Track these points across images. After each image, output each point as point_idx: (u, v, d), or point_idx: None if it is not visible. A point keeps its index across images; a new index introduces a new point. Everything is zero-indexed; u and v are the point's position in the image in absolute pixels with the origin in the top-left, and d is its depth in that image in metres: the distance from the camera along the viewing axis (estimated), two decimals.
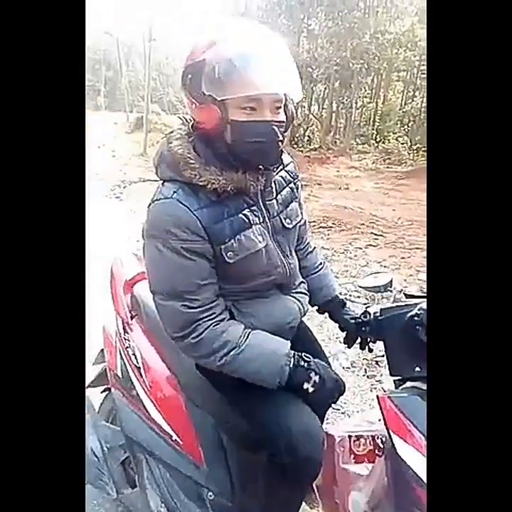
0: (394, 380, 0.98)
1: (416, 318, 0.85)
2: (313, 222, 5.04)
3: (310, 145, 12.43)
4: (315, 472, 0.91)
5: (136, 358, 1.17)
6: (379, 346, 1.12)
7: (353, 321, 1.10)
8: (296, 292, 1.05)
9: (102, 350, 1.40)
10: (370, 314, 1.07)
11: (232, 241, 0.85)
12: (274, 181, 0.95)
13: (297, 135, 12.52)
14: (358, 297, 3.09)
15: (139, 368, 1.15)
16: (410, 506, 0.76)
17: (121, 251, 1.47)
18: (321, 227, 5.02)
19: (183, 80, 0.82)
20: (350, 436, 1.01)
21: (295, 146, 11.99)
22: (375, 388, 2.02)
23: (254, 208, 0.89)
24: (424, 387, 0.85)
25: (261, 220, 0.90)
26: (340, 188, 7.75)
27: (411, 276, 3.54)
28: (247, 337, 0.87)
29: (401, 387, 0.91)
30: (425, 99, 12.38)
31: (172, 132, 0.87)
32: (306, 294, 1.09)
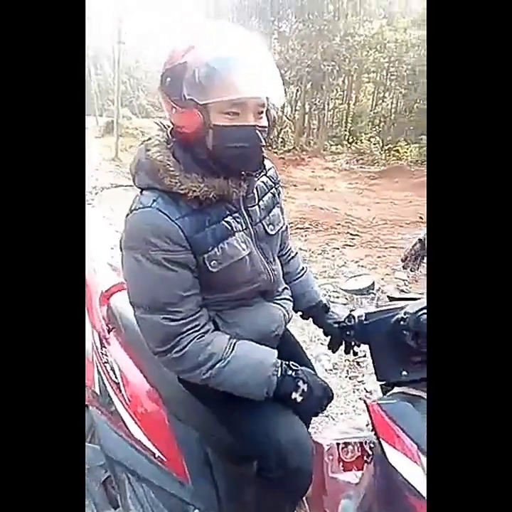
0: (381, 385, 0.97)
1: (402, 322, 0.84)
2: (291, 223, 5.03)
3: (284, 147, 12.50)
4: (306, 484, 0.89)
5: (114, 372, 1.11)
6: (361, 348, 1.12)
7: (337, 325, 1.09)
8: (280, 299, 1.03)
9: None
10: (354, 318, 1.06)
11: (215, 249, 0.82)
12: (256, 187, 0.92)
13: (271, 137, 12.55)
14: (337, 298, 3.11)
15: (118, 383, 1.10)
16: None
17: (96, 260, 1.41)
18: (297, 228, 5.04)
19: (162, 83, 0.78)
20: (338, 444, 1.00)
21: (269, 148, 12.02)
22: (358, 390, 2.03)
23: (236, 214, 0.87)
24: (412, 392, 0.85)
25: (244, 227, 0.88)
26: (315, 189, 7.83)
27: (388, 276, 3.60)
28: (233, 348, 0.84)
29: (388, 393, 0.91)
30: (395, 100, 12.72)
31: (149, 139, 0.83)
32: (290, 300, 1.07)
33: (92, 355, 1.22)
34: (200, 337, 0.83)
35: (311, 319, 1.18)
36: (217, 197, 0.81)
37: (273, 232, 0.95)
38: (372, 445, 0.98)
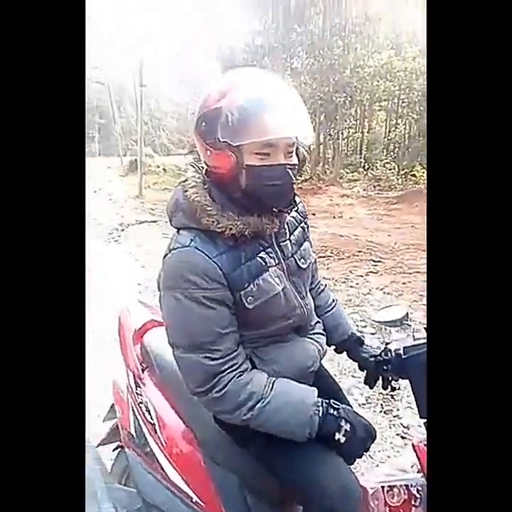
0: (424, 423, 0.93)
1: None
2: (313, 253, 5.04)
3: (301, 176, 12.59)
4: None
5: (149, 413, 1.10)
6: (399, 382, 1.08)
7: (373, 359, 1.07)
8: (314, 333, 1.02)
9: (113, 405, 1.34)
10: (391, 352, 1.03)
11: (251, 286, 0.83)
12: (287, 222, 0.94)
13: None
14: (365, 327, 3.04)
15: (153, 424, 1.09)
16: None
17: (127, 299, 1.44)
18: (319, 256, 5.02)
19: (196, 127, 0.83)
20: (383, 487, 0.95)
21: None
22: (394, 425, 1.94)
23: (269, 249, 0.88)
24: None
25: (276, 262, 0.89)
26: (334, 217, 7.83)
27: (415, 302, 3.51)
28: (272, 387, 0.83)
29: None
30: (407, 126, 12.83)
31: (186, 180, 0.87)
32: (323, 335, 1.06)
33: (127, 395, 1.22)
34: (239, 376, 0.82)
35: (345, 353, 1.16)
36: (251, 234, 0.83)
37: (304, 266, 0.96)
38: (419, 488, 0.93)
